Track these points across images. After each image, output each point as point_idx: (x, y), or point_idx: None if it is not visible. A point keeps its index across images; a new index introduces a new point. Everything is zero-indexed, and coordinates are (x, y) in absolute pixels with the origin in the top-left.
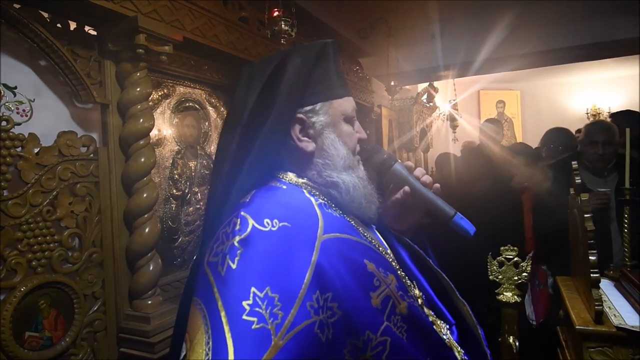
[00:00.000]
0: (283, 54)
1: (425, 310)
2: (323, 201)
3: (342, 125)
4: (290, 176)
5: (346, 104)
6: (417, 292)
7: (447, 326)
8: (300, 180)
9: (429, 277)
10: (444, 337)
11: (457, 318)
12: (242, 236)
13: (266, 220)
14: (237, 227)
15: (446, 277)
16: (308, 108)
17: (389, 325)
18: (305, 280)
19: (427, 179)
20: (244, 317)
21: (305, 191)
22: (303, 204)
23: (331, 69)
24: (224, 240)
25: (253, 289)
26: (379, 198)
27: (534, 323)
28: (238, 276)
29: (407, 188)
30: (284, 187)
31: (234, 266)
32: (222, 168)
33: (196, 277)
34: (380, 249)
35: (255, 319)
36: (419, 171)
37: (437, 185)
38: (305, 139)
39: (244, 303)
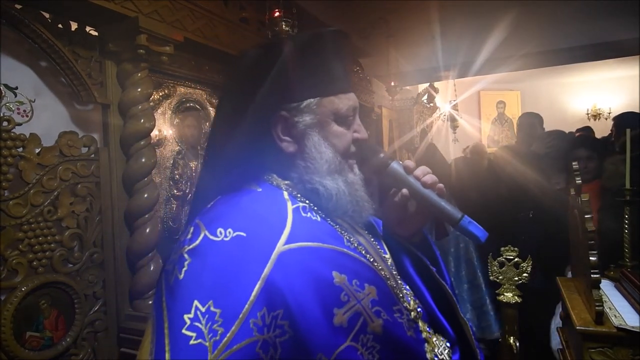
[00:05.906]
0: (272, 45)
1: (420, 324)
2: (304, 204)
3: (331, 126)
4: (274, 177)
5: (339, 101)
6: (412, 303)
7: (448, 344)
8: (283, 182)
9: (432, 288)
10: (435, 358)
11: (458, 336)
12: (191, 246)
13: (219, 230)
14: (189, 235)
15: (450, 291)
16: (293, 105)
17: (352, 346)
18: (251, 297)
19: (428, 178)
20: (184, 331)
21: (285, 193)
22: (273, 210)
23: (328, 62)
24: (177, 248)
25: (196, 302)
26: (372, 204)
27: None
28: (183, 288)
29: (405, 190)
30: (259, 189)
31: (180, 277)
32: (206, 168)
33: (158, 283)
34: (368, 256)
35: (194, 334)
36: (419, 171)
37: (441, 185)
38: (287, 138)
39: (185, 316)
